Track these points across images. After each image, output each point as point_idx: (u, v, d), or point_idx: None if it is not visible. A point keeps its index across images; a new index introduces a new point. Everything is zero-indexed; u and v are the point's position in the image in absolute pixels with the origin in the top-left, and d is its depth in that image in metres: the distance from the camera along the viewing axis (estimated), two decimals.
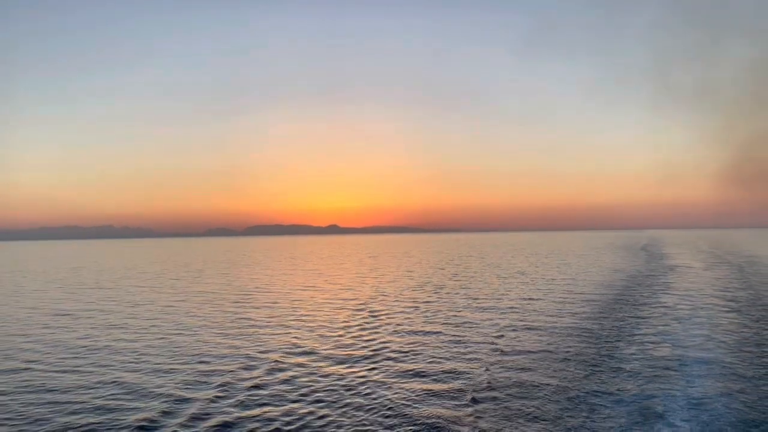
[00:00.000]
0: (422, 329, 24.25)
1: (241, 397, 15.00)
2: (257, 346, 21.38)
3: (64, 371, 18.15)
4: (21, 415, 14.09)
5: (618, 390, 14.89)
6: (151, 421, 13.33)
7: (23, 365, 19.10)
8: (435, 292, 38.07)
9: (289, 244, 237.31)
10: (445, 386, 15.69)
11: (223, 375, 17.16)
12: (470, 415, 13.30)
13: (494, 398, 14.51)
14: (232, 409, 14.09)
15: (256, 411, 13.96)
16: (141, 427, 12.93)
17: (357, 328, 25.03)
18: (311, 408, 14.07)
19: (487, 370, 17.18)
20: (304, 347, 21.01)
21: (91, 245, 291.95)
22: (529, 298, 33.64)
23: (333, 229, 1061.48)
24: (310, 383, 16.18)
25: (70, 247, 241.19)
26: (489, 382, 15.82)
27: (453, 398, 14.64)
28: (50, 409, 14.45)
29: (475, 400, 14.29)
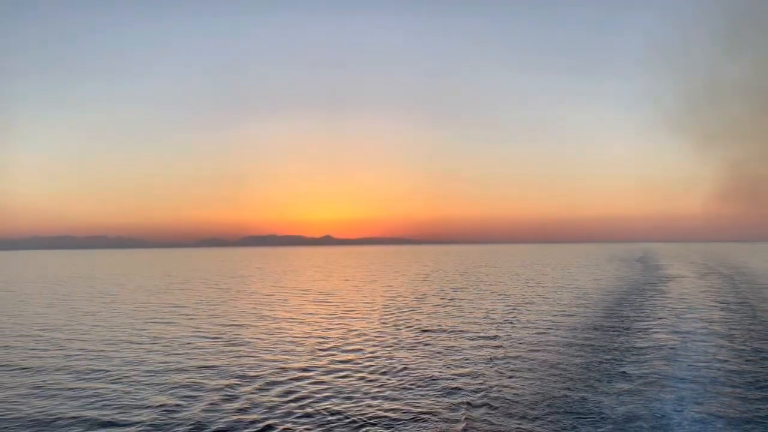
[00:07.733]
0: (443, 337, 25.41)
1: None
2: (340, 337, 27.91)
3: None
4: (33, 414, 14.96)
5: (616, 400, 15.06)
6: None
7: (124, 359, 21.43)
8: (458, 300, 42.55)
9: (291, 254, 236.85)
10: (440, 393, 16.15)
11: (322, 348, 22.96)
12: (464, 424, 13.49)
13: (490, 407, 14.67)
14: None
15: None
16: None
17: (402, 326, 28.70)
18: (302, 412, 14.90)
19: (483, 377, 17.70)
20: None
21: (96, 255, 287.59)
22: (535, 306, 35.59)
23: (327, 240, 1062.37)
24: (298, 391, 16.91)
25: (81, 258, 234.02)
26: (485, 391, 16.12)
27: (448, 405, 14.98)
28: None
29: (470, 409, 14.56)
